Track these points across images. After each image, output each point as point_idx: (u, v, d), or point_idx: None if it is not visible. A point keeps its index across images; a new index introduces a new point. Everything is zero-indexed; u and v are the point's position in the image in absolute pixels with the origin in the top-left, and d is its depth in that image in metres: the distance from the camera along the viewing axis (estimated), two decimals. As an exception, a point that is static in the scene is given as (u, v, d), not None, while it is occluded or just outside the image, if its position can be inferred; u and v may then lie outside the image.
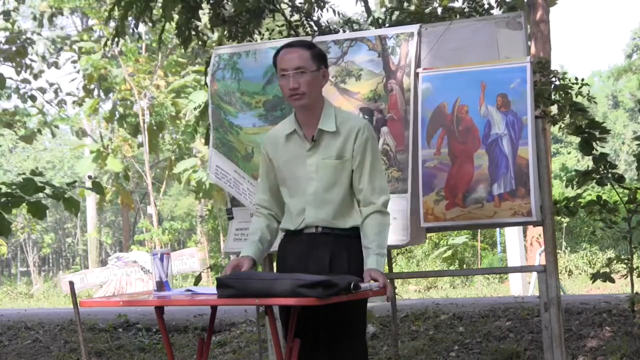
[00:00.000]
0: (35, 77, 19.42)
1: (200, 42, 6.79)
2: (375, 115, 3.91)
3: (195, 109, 16.54)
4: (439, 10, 6.09)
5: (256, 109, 4.24)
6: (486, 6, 6.01)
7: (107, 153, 19.44)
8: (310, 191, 2.95)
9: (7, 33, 18.21)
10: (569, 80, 5.24)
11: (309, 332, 2.94)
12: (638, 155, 5.56)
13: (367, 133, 2.95)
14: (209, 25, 6.44)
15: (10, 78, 18.95)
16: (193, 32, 6.56)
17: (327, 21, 6.46)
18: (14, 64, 18.35)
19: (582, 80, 5.28)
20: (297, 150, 2.98)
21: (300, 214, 2.98)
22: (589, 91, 5.37)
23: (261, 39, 6.17)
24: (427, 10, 5.88)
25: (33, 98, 19.64)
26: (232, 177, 4.27)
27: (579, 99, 5.35)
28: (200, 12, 6.50)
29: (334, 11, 6.83)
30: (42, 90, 20.07)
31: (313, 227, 2.95)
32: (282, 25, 6.40)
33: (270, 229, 3.08)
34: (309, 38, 4.27)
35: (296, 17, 6.71)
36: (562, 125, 5.39)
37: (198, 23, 6.48)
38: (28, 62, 18.52)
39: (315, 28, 6.21)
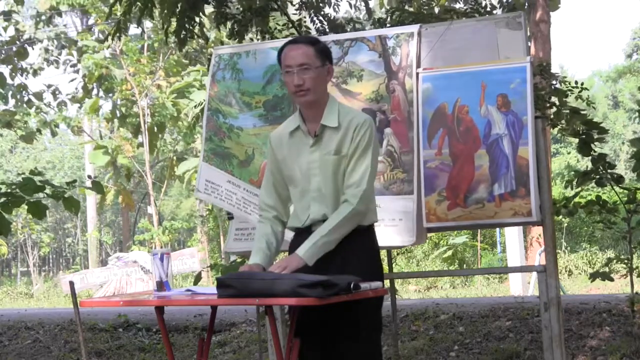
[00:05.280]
0: (35, 73, 19.32)
1: (201, 40, 6.77)
2: (378, 116, 3.90)
3: (196, 106, 16.53)
4: (436, 10, 6.08)
5: (256, 109, 4.24)
6: (488, 7, 6.00)
7: (111, 154, 19.46)
8: (313, 187, 2.96)
9: (7, 36, 18.11)
10: (569, 83, 5.23)
11: (314, 332, 2.94)
12: (636, 156, 5.54)
13: (366, 128, 2.94)
14: (209, 24, 6.41)
15: (8, 84, 18.86)
16: (196, 30, 6.54)
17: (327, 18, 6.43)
18: (11, 66, 18.19)
19: (582, 84, 5.28)
20: (301, 147, 2.99)
21: (305, 210, 2.98)
22: (588, 95, 5.37)
23: (263, 38, 6.15)
24: (427, 12, 5.88)
25: (30, 104, 19.54)
26: (223, 190, 4.23)
27: (578, 102, 5.34)
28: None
29: (333, 8, 6.82)
30: (39, 97, 19.93)
31: (319, 223, 2.93)
32: (285, 25, 6.38)
33: (275, 233, 3.06)
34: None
35: (299, 15, 6.69)
36: (560, 128, 5.38)
37: (203, 19, 6.44)
38: (24, 65, 18.40)
39: (325, 24, 6.18)
